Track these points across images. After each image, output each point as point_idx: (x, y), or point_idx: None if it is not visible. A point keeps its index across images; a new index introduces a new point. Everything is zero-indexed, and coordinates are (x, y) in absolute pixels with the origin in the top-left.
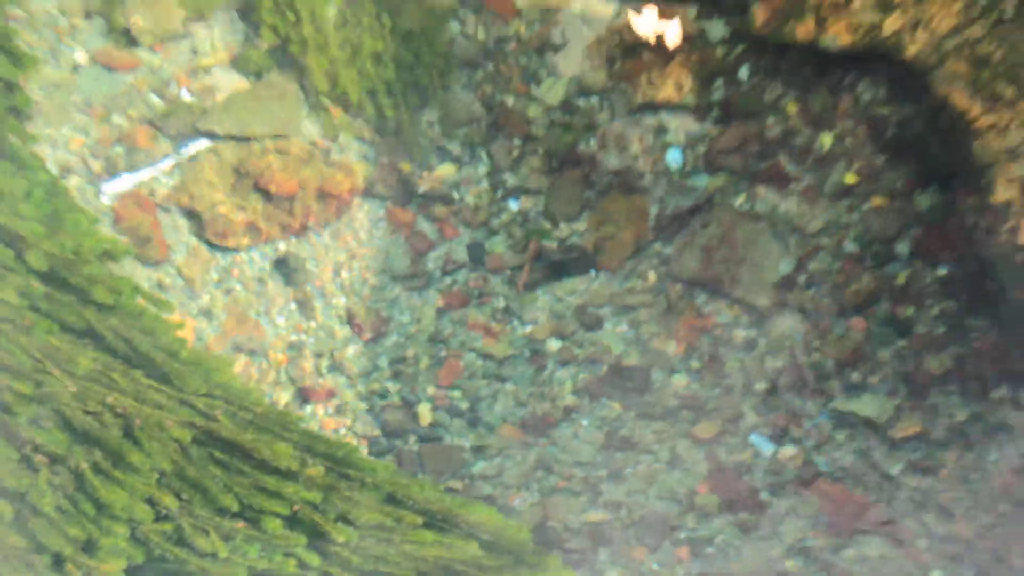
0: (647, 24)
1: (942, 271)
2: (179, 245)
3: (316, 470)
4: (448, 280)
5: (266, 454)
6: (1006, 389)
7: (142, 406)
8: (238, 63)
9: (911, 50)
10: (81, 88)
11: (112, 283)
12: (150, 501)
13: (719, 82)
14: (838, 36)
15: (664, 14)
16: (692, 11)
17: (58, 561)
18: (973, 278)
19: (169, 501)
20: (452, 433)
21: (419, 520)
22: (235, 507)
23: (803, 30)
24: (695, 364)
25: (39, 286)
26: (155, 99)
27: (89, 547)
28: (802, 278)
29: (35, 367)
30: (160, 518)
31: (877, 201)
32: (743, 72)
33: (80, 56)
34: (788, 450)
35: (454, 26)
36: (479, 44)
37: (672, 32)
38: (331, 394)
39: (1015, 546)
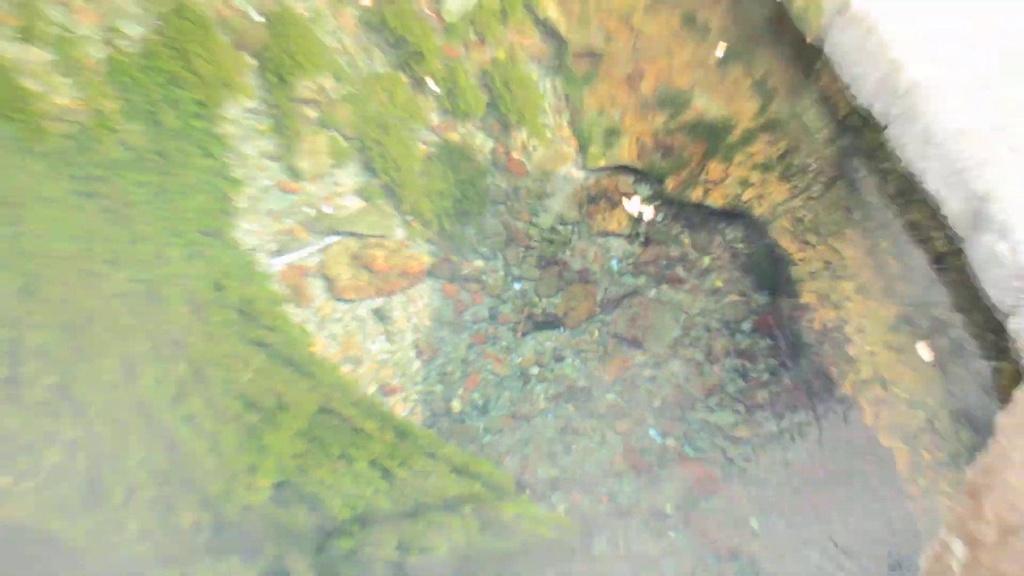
0: (603, 186)
1: (769, 341)
2: (317, 297)
3: (388, 435)
4: (475, 327)
5: (360, 423)
6: (801, 414)
7: (288, 389)
8: (360, 192)
9: (757, 211)
10: (267, 201)
11: (276, 315)
12: (289, 444)
13: (643, 224)
14: (715, 200)
15: (612, 180)
16: (630, 179)
17: (232, 477)
18: (787, 346)
19: (300, 447)
20: (471, 419)
21: (447, 468)
22: (338, 453)
23: (695, 194)
24: (619, 387)
25: (234, 315)
26: (309, 210)
27: (252, 469)
28: (686, 340)
29: (227, 362)
30: (295, 456)
31: (732, 297)
32: (659, 217)
33: (267, 183)
34: (671, 441)
35: (489, 178)
36: (502, 190)
37: (616, 191)
38: (400, 390)
39: (809, 505)
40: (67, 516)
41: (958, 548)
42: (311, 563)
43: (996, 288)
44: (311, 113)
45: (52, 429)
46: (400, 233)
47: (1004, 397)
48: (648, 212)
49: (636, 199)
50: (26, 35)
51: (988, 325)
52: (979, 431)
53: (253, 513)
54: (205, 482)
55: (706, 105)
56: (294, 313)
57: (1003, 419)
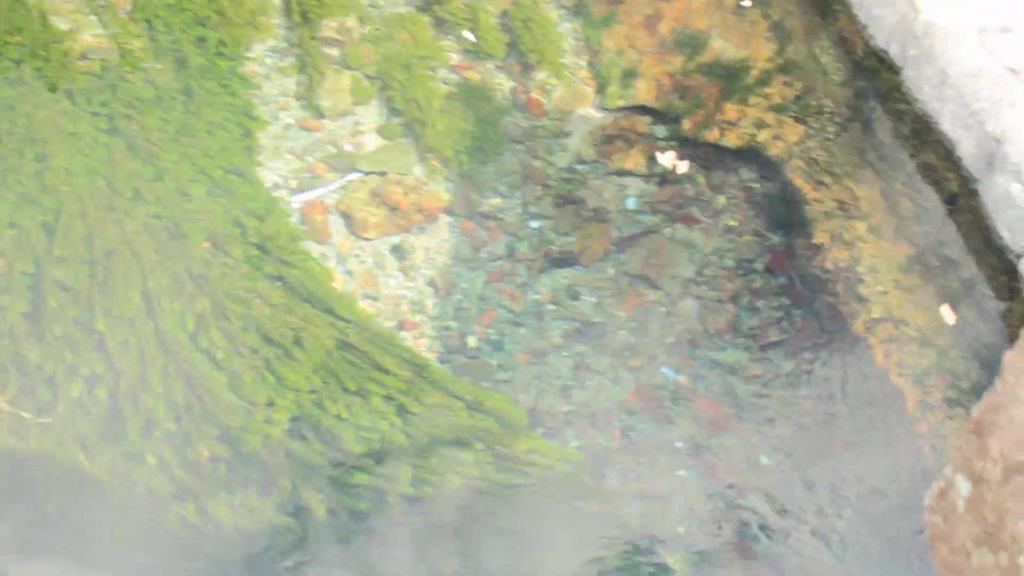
0: (620, 126)
1: (781, 280)
2: (336, 234)
3: (404, 371)
4: (491, 264)
5: (377, 358)
6: (812, 353)
7: (306, 324)
8: (381, 131)
9: (772, 151)
10: (288, 139)
11: (295, 251)
12: (306, 379)
13: (659, 163)
14: (731, 140)
15: (629, 120)
16: (647, 119)
17: (249, 412)
18: (800, 286)
19: (317, 382)
20: (486, 355)
21: (461, 404)
22: (354, 388)
23: (711, 135)
24: (633, 324)
25: (255, 251)
26: (331, 148)
27: (269, 404)
28: (699, 278)
29: (247, 298)
30: (312, 391)
31: (746, 237)
32: (675, 157)
33: (290, 120)
34: (682, 378)
35: (507, 118)
36: (522, 129)
37: (633, 131)
38: (416, 327)
39: (819, 444)
40: (88, 449)
41: (963, 485)
42: (327, 496)
43: (1009, 230)
44: (334, 53)
45: (73, 363)
46: (419, 171)
47: (1013, 337)
48: (683, 166)
49: (670, 153)
50: None
51: (1000, 266)
52: (989, 371)
53: (270, 447)
54: (223, 416)
55: (723, 47)
56: (314, 249)
57: (1010, 357)
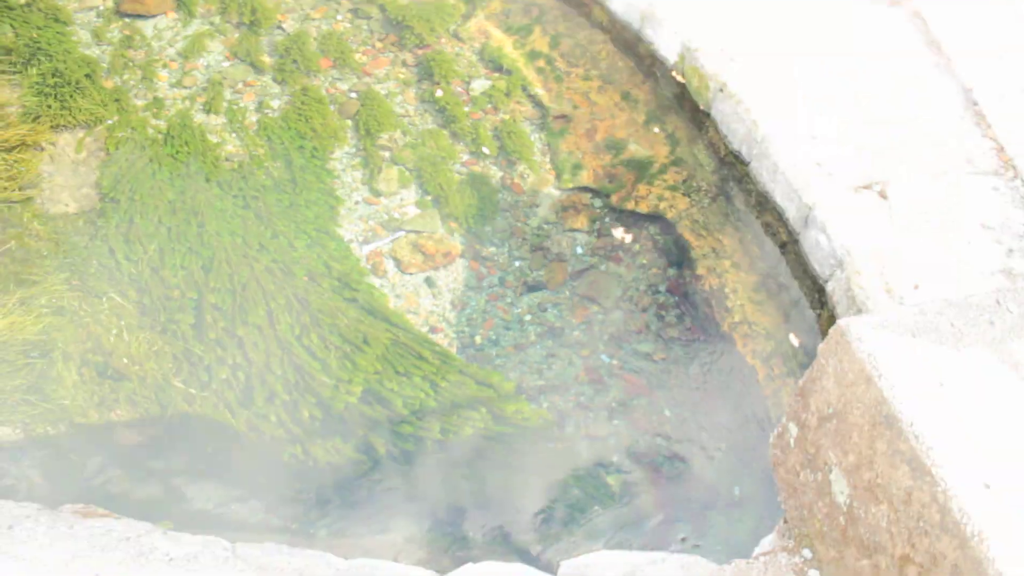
0: (572, 199)
1: (676, 298)
2: (390, 271)
3: (435, 359)
4: (490, 290)
5: (418, 350)
6: (697, 344)
7: (370, 329)
8: (418, 204)
9: (669, 215)
10: (358, 211)
11: (363, 283)
12: (371, 365)
13: (597, 223)
14: (642, 208)
15: (577, 196)
16: (589, 195)
17: (335, 387)
18: (688, 302)
19: (378, 366)
20: (487, 349)
21: (472, 380)
22: (403, 370)
23: (630, 205)
24: (582, 327)
25: (337, 283)
26: (385, 216)
27: (348, 381)
28: (624, 297)
29: (333, 313)
30: (375, 372)
31: (654, 270)
32: (607, 219)
33: (358, 199)
34: (614, 362)
35: (499, 195)
36: (508, 202)
37: (580, 203)
38: (442, 331)
39: (702, 402)
40: (232, 411)
41: (793, 429)
42: (385, 440)
43: (819, 264)
44: (386, 154)
45: (222, 356)
46: (442, 229)
47: (824, 333)
48: (628, 238)
49: (620, 229)
50: (209, 108)
51: (815, 288)
52: (809, 355)
53: (349, 409)
54: (318, 389)
55: (636, 149)
56: (374, 281)
57: (822, 346)
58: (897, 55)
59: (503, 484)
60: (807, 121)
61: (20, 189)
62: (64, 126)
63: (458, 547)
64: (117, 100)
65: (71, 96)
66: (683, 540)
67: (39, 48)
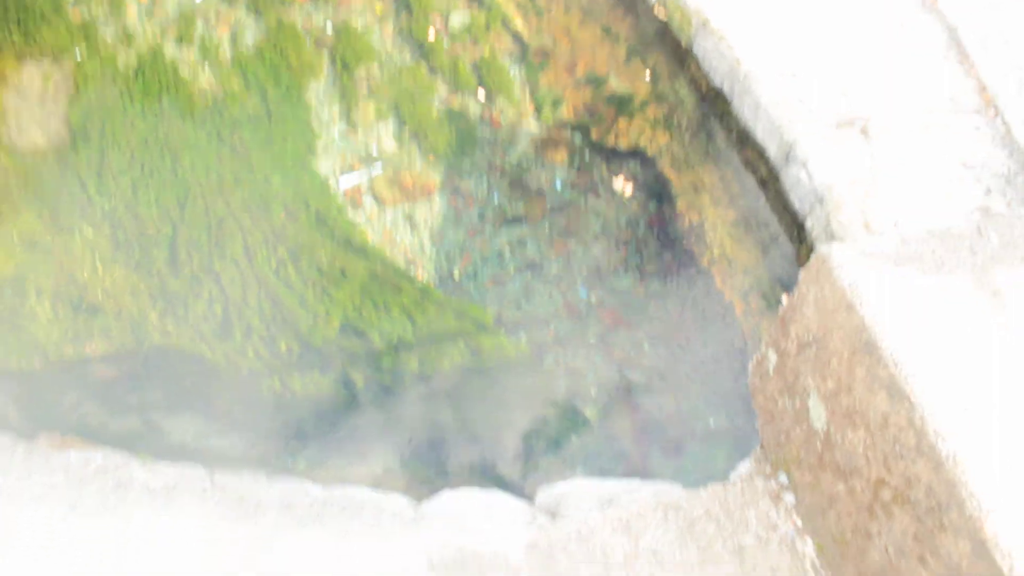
0: (551, 135)
1: (656, 233)
2: (368, 205)
3: (415, 292)
4: (468, 224)
5: (396, 283)
6: (676, 279)
7: (348, 263)
8: (395, 138)
9: (649, 151)
10: (335, 145)
11: (341, 217)
12: (349, 298)
13: (576, 158)
14: (622, 144)
15: (557, 131)
16: (568, 130)
17: (313, 319)
18: (667, 236)
19: (356, 299)
20: (466, 283)
21: (451, 313)
22: (381, 303)
23: (610, 140)
24: (560, 262)
25: (314, 218)
26: (362, 150)
27: (326, 314)
28: (603, 232)
29: (310, 247)
30: (354, 306)
31: (634, 206)
32: (586, 154)
33: (335, 133)
34: (593, 297)
35: (478, 130)
36: (486, 137)
37: (559, 138)
38: (420, 265)
39: (680, 335)
40: (209, 345)
41: (772, 357)
42: (364, 374)
43: (799, 200)
44: (364, 89)
45: (198, 291)
46: (420, 164)
47: (802, 264)
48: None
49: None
50: (182, 40)
51: (794, 223)
52: (787, 289)
53: (327, 342)
54: (296, 323)
55: (617, 84)
56: (352, 216)
57: (801, 273)
58: None
59: (482, 416)
60: (790, 58)
61: None
62: (29, 58)
63: (437, 476)
64: (84, 32)
65: (35, 27)
66: (659, 467)
67: None
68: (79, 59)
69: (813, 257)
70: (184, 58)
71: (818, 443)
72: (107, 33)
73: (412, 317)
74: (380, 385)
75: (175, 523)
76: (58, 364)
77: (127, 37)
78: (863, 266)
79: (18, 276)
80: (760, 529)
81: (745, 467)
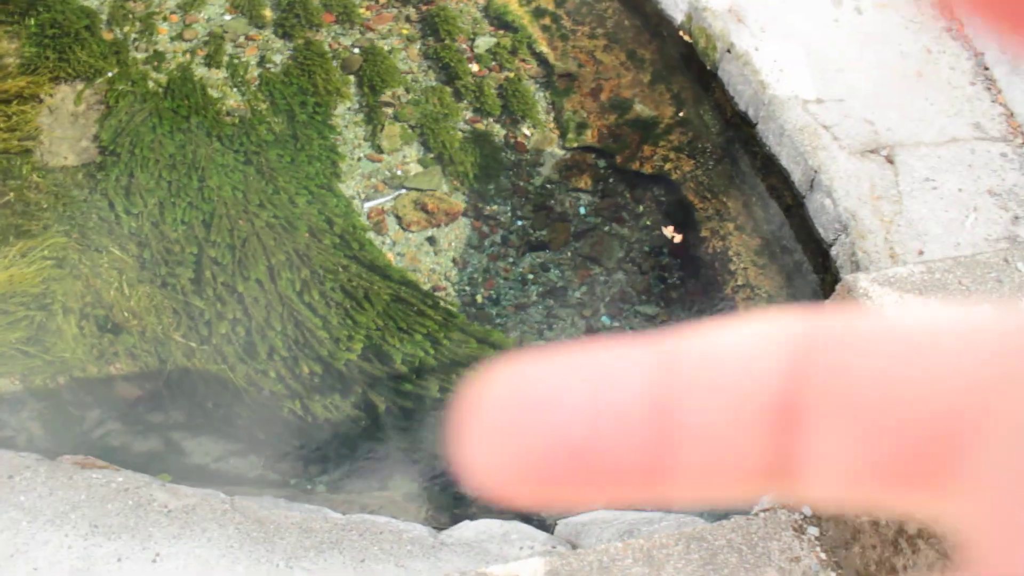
0: (576, 159)
1: (679, 260)
2: (391, 228)
3: (438, 316)
4: (492, 249)
5: (419, 307)
6: (699, 307)
7: (371, 285)
8: (420, 162)
9: (674, 176)
10: (360, 167)
11: (364, 239)
12: (372, 322)
13: (601, 183)
14: (647, 169)
15: (581, 156)
16: (593, 155)
17: (335, 343)
18: (691, 264)
19: (379, 322)
20: (488, 307)
21: (473, 340)
22: (404, 327)
23: (634, 165)
24: (584, 289)
25: (338, 239)
26: (387, 173)
27: (348, 338)
28: (627, 258)
29: (333, 268)
30: (376, 329)
31: (657, 232)
32: (611, 179)
33: (361, 155)
34: (616, 323)
35: (502, 154)
36: (511, 161)
37: (584, 163)
38: (444, 289)
39: None
40: (232, 366)
41: None
42: (385, 398)
43: (823, 228)
44: (389, 111)
45: (222, 311)
46: (445, 188)
47: (828, 296)
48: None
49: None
50: (211, 62)
51: (818, 252)
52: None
53: (348, 366)
54: (318, 346)
55: (642, 109)
56: (376, 238)
57: (827, 302)
58: (907, 21)
59: None
60: (815, 84)
61: (19, 141)
62: (63, 78)
63: (456, 505)
64: (117, 52)
65: (70, 48)
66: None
67: None
68: (110, 78)
69: (839, 285)
70: (212, 79)
71: None
72: (138, 54)
73: (435, 341)
74: (401, 410)
75: (195, 545)
76: (82, 382)
77: (157, 56)
78: (888, 294)
79: (46, 293)
80: (783, 561)
81: (768, 498)
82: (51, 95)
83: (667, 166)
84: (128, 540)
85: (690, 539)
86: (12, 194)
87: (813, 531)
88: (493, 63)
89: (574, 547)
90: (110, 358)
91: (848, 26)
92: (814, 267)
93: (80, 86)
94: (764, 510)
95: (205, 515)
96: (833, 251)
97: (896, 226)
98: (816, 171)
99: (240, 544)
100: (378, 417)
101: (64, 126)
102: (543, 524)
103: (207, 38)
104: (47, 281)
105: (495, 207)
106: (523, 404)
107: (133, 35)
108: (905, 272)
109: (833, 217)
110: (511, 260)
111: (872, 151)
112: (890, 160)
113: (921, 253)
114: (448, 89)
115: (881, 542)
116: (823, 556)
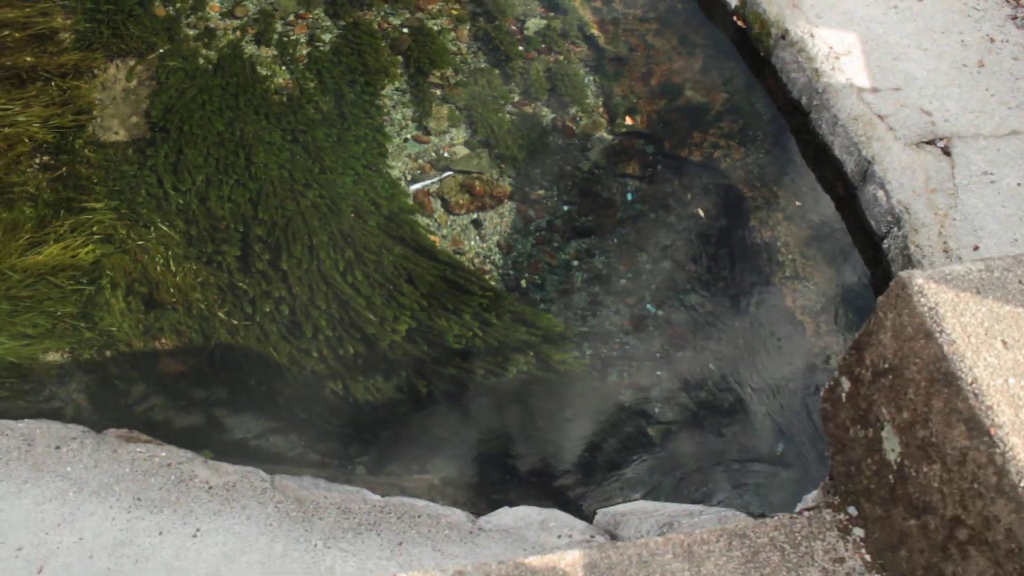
0: (624, 144)
1: (727, 249)
2: (437, 210)
3: (488, 294)
4: (537, 233)
5: (466, 286)
6: (746, 298)
7: (416, 267)
8: (467, 144)
9: (723, 165)
10: (407, 148)
11: (410, 220)
12: (417, 303)
13: (649, 170)
14: (696, 156)
15: (630, 141)
16: (642, 141)
17: (380, 324)
18: (739, 253)
19: (424, 303)
20: (532, 292)
21: (522, 325)
22: (451, 307)
23: (683, 152)
24: (629, 275)
25: (383, 220)
26: (434, 154)
27: (394, 318)
28: (673, 246)
29: (378, 249)
30: (422, 309)
31: (705, 220)
32: (659, 166)
33: (408, 136)
34: (660, 312)
35: (550, 137)
36: (559, 145)
37: (632, 148)
38: (487, 272)
39: (749, 356)
40: (275, 345)
41: (845, 383)
42: (428, 381)
43: (876, 220)
44: (437, 92)
45: (267, 289)
46: (491, 171)
47: (878, 290)
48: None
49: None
50: (261, 39)
51: (870, 244)
52: (858, 312)
53: (392, 348)
54: (363, 326)
55: (692, 95)
56: (421, 220)
57: (881, 299)
58: (970, 8)
59: (544, 430)
60: (870, 72)
61: (73, 116)
62: (116, 54)
63: (495, 490)
64: (168, 29)
65: (124, 23)
66: (723, 494)
67: None
68: (162, 54)
69: (893, 282)
70: (262, 57)
71: (890, 476)
72: (190, 30)
73: (485, 322)
74: (443, 393)
75: (234, 522)
76: (128, 357)
77: (208, 33)
78: (944, 292)
79: (95, 268)
80: (826, 562)
81: (813, 497)
82: (104, 70)
83: (716, 153)
84: (170, 514)
85: (732, 536)
86: (64, 168)
87: (859, 532)
88: (543, 45)
89: (613, 537)
90: (155, 333)
91: (907, 12)
92: (865, 260)
93: (132, 62)
94: (808, 508)
95: (245, 492)
96: (885, 244)
97: (951, 220)
98: (870, 162)
99: (279, 523)
100: (420, 399)
101: (116, 101)
102: (581, 512)
103: (257, 16)
104: (96, 255)
105: (541, 191)
106: None
107: (185, 11)
108: (962, 270)
109: (886, 209)
110: (556, 245)
111: (928, 142)
112: (947, 152)
113: (976, 249)
114: (496, 71)
115: (930, 546)
116: (868, 558)
